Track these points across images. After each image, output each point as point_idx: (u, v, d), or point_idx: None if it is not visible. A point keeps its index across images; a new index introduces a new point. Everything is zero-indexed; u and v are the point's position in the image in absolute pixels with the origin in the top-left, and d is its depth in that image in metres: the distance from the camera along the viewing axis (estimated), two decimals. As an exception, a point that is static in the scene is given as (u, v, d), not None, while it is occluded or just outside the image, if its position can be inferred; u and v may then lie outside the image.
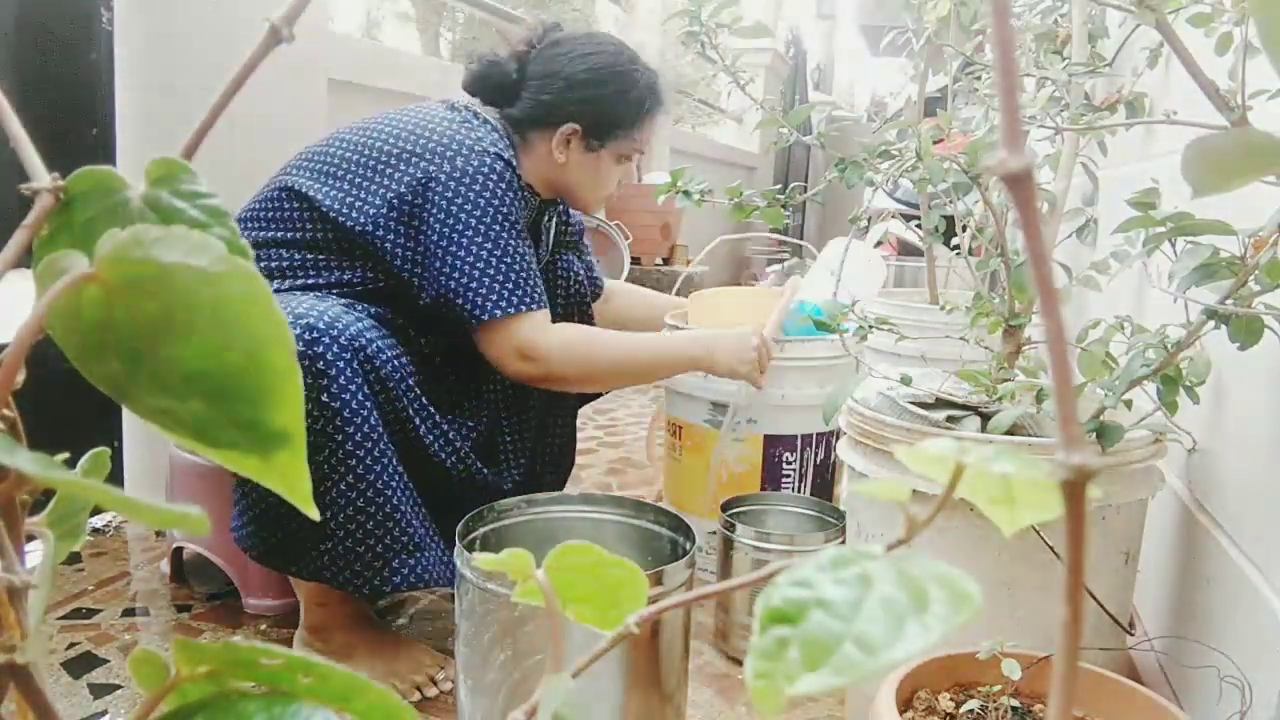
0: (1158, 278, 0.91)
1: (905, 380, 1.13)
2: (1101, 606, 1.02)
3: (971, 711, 0.88)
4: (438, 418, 1.33)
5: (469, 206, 1.31)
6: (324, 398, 1.17)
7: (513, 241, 1.34)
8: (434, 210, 1.31)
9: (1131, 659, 1.24)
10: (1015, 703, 0.89)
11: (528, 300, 1.35)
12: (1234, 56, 0.82)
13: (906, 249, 3.53)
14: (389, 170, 1.33)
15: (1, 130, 0.28)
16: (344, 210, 1.33)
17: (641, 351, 1.47)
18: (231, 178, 1.58)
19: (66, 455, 0.26)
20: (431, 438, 1.32)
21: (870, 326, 1.18)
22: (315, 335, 1.17)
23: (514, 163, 1.38)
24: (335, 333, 1.18)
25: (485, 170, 1.33)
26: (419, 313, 1.37)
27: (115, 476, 1.36)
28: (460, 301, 1.32)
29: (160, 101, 1.70)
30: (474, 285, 1.32)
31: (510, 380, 1.44)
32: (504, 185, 1.34)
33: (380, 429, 1.22)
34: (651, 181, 3.47)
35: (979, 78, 1.41)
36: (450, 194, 1.31)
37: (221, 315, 0.25)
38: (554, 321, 1.45)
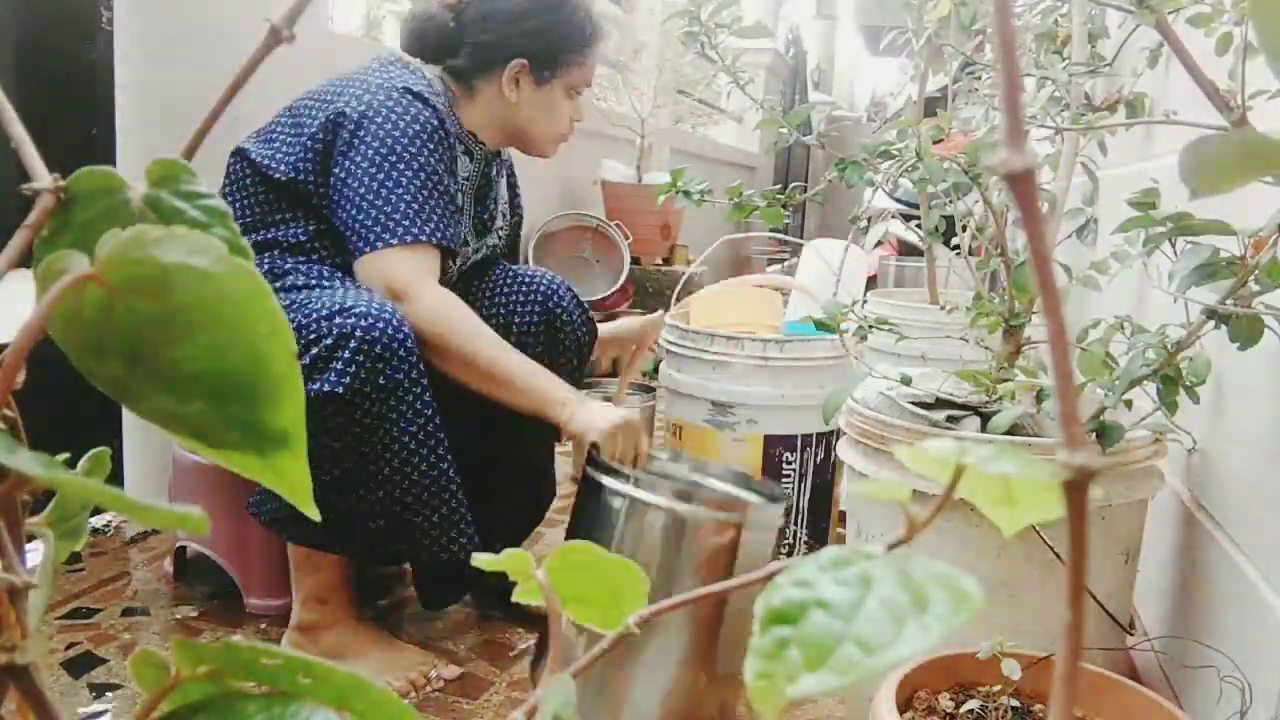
0: (1158, 278, 0.90)
1: (905, 380, 1.12)
2: (1101, 606, 1.02)
3: (971, 711, 0.88)
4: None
5: (369, 139, 1.29)
6: (380, 380, 1.19)
7: (410, 174, 1.29)
8: (339, 145, 1.30)
9: (1131, 659, 1.24)
10: (1015, 703, 0.89)
11: (414, 232, 1.28)
12: (1234, 57, 0.82)
13: (906, 249, 3.52)
14: (307, 117, 1.34)
15: (2, 130, 0.28)
16: (273, 164, 1.33)
17: (508, 356, 1.29)
18: (231, 178, 1.57)
19: (67, 455, 0.26)
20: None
21: (870, 326, 1.17)
22: (370, 322, 1.19)
23: (434, 102, 1.35)
24: (389, 315, 1.20)
25: (390, 104, 1.31)
26: None
27: (115, 476, 1.36)
28: (350, 235, 1.29)
29: (160, 101, 1.69)
30: (360, 217, 1.28)
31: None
32: (408, 118, 1.31)
33: (433, 407, 1.23)
34: (651, 181, 3.46)
35: (979, 78, 1.41)
36: (353, 127, 1.30)
37: (222, 315, 0.25)
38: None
